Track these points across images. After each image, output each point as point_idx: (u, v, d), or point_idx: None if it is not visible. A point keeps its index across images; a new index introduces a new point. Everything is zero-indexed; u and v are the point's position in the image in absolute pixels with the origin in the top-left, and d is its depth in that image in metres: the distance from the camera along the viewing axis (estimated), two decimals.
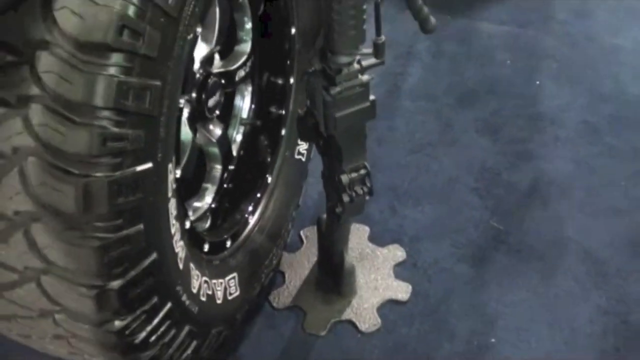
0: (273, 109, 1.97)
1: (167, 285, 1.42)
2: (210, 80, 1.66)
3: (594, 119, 2.47)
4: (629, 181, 2.27)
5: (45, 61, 1.16)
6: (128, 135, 1.21)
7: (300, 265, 2.07)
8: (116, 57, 1.17)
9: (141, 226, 1.28)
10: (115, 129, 1.19)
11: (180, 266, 1.46)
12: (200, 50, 1.65)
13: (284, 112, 1.96)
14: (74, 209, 1.20)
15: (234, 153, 1.89)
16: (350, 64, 1.51)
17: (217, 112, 1.71)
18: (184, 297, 1.49)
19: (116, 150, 1.20)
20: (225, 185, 1.85)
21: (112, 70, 1.17)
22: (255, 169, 1.95)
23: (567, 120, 2.46)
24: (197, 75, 1.62)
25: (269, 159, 1.96)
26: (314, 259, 2.05)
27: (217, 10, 1.65)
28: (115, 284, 1.29)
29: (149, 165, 1.26)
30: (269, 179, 1.95)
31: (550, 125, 2.44)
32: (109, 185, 1.20)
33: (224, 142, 1.79)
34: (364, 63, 1.53)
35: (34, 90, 1.17)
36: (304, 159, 2.05)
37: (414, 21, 2.75)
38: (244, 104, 1.93)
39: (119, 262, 1.28)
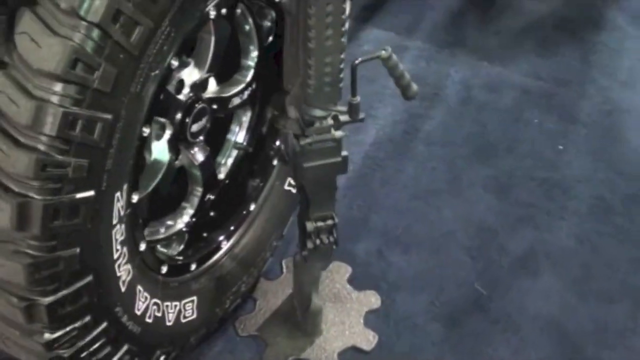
0: (268, 138, 1.97)
1: (104, 305, 1.44)
2: (198, 105, 1.67)
3: (609, 196, 2.39)
4: (629, 267, 2.20)
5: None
6: (70, 163, 1.23)
7: (274, 294, 2.07)
8: (66, 88, 1.19)
9: (77, 250, 1.31)
10: (57, 157, 1.21)
11: (123, 288, 1.48)
12: (192, 75, 1.66)
13: (278, 142, 1.95)
14: (8, 225, 1.23)
15: (222, 176, 1.90)
16: (324, 117, 1.50)
17: (201, 137, 1.72)
18: (124, 318, 1.51)
19: (56, 177, 1.22)
20: (204, 208, 1.85)
21: (60, 100, 1.19)
22: (239, 196, 1.95)
23: (581, 192, 2.40)
24: (184, 99, 1.62)
25: (256, 187, 1.97)
26: (289, 290, 2.05)
27: (213, 38, 1.65)
28: (46, 300, 1.32)
29: (90, 193, 1.29)
30: (252, 207, 1.95)
31: (562, 194, 2.38)
32: (44, 208, 1.23)
33: (207, 166, 1.79)
34: (341, 118, 1.52)
35: None
36: (294, 190, 2.04)
37: (449, 63, 2.76)
38: (240, 129, 1.93)
39: (50, 281, 1.31)
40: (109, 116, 1.26)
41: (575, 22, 3.10)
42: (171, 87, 1.56)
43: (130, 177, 1.43)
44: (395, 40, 2.95)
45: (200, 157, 1.75)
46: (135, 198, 1.50)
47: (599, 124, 2.65)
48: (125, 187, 1.40)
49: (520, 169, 2.46)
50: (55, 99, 1.18)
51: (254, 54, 1.83)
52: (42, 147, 1.20)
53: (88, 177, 1.27)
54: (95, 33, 1.19)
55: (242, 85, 1.82)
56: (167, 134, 1.63)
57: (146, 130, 1.45)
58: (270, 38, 1.84)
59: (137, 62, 1.27)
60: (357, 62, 1.40)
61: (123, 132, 1.30)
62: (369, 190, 2.33)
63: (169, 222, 1.80)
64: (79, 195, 1.27)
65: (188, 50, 1.62)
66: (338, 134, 1.52)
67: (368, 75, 2.51)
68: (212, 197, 1.85)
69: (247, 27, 1.78)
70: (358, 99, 1.46)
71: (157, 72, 1.34)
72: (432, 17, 3.09)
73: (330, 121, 1.51)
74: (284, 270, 2.13)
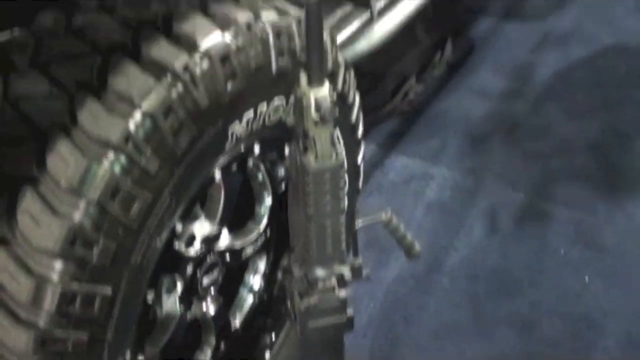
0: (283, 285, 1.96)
1: None
2: (209, 259, 1.68)
3: (638, 332, 2.33)
4: None
5: (1, 258, 1.22)
6: (70, 338, 1.24)
7: None
8: (65, 265, 1.21)
9: None
10: (57, 332, 1.23)
11: None
12: (203, 228, 1.68)
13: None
14: None
15: (237, 325, 1.89)
16: (327, 277, 1.50)
17: (213, 289, 1.73)
18: None
19: (55, 352, 1.24)
20: (218, 359, 1.84)
21: (60, 277, 1.21)
22: (254, 345, 1.94)
23: (609, 327, 2.34)
24: (195, 254, 1.64)
25: (271, 335, 1.95)
26: None
27: (223, 192, 1.67)
28: None
29: None
30: (267, 356, 1.94)
31: (588, 330, 2.32)
32: None
33: (220, 317, 1.79)
34: (346, 277, 1.51)
35: None
36: None
37: (474, 191, 2.75)
38: (254, 276, 1.93)
39: None
40: (108, 290, 1.27)
41: (605, 146, 3.07)
42: (180, 244, 1.57)
43: (133, 342, 1.43)
44: (421, 167, 2.96)
45: (213, 308, 1.75)
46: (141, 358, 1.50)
47: (626, 254, 2.60)
48: (127, 353, 1.40)
49: (545, 302, 2.41)
50: (54, 275, 1.21)
51: (268, 202, 1.84)
52: (41, 324, 1.22)
53: (88, 350, 1.28)
54: (94, 210, 1.22)
55: (256, 234, 1.82)
56: (178, 289, 1.63)
57: (150, 295, 1.46)
58: (284, 185, 1.85)
59: (136, 235, 1.30)
60: (357, 226, 1.40)
61: (124, 303, 1.32)
62: (391, 329, 2.30)
63: None
64: None
65: (199, 204, 1.64)
66: (343, 293, 1.51)
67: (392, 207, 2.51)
68: (226, 346, 1.84)
69: (259, 177, 1.80)
70: (360, 260, 1.45)
71: (158, 241, 1.36)
72: (457, 143, 3.10)
73: (334, 281, 1.50)
74: None
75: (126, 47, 1.35)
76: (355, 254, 1.45)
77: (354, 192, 1.91)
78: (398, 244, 1.51)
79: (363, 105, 1.87)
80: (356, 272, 1.46)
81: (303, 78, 1.27)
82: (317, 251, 1.43)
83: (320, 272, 1.48)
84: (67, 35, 1.40)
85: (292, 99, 1.50)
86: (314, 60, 1.24)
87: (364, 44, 2.28)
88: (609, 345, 2.29)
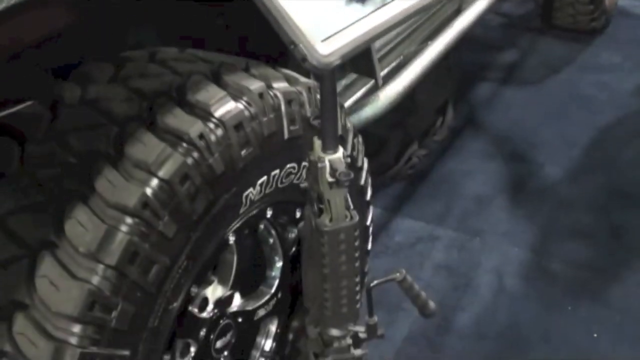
0: (295, 346, 1.97)
1: None
2: (222, 322, 1.70)
3: None
4: None
5: (20, 323, 1.24)
6: None
7: None
8: (84, 329, 1.23)
9: None
10: None
11: None
12: (216, 292, 1.70)
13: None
14: None
15: None
16: (343, 337, 1.51)
17: (226, 352, 1.74)
18: None
19: None
20: None
21: (79, 341, 1.23)
22: None
23: None
24: (208, 317, 1.65)
25: None
26: None
27: (235, 257, 1.70)
28: None
29: None
30: None
31: None
32: None
33: None
34: (361, 336, 1.53)
35: (7, 348, 1.24)
36: None
37: (480, 251, 2.77)
38: (267, 339, 1.94)
39: None
40: (126, 353, 1.29)
41: (608, 205, 3.11)
42: (194, 307, 1.59)
43: None
44: (426, 229, 2.99)
45: None
46: None
47: (634, 308, 2.61)
48: None
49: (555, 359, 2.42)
50: (73, 340, 1.23)
51: (279, 264, 1.86)
52: None
53: None
54: (113, 275, 1.25)
55: (268, 296, 1.84)
56: (192, 352, 1.64)
57: (167, 358, 1.47)
58: (295, 248, 1.88)
59: (154, 298, 1.32)
60: (372, 284, 1.43)
61: None
62: None
63: None
64: None
65: (211, 269, 1.66)
66: (358, 352, 1.53)
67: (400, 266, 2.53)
68: None
69: (270, 240, 1.82)
70: (375, 319, 1.47)
71: (175, 304, 1.38)
72: (462, 205, 3.13)
73: (349, 340, 1.52)
74: None
75: (141, 116, 1.39)
76: (371, 313, 1.46)
77: (364, 254, 1.93)
78: (412, 303, 1.53)
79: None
80: (371, 330, 1.48)
81: (317, 143, 1.32)
82: (332, 311, 1.45)
83: (335, 331, 1.50)
84: (82, 106, 1.43)
85: (304, 163, 1.54)
86: (328, 126, 1.29)
87: (369, 111, 2.32)
88: None
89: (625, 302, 2.63)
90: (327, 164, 1.30)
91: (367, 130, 2.17)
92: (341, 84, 2.32)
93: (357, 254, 1.39)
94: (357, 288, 1.46)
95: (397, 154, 3.10)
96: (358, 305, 1.48)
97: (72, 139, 1.36)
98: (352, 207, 1.38)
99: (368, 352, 1.54)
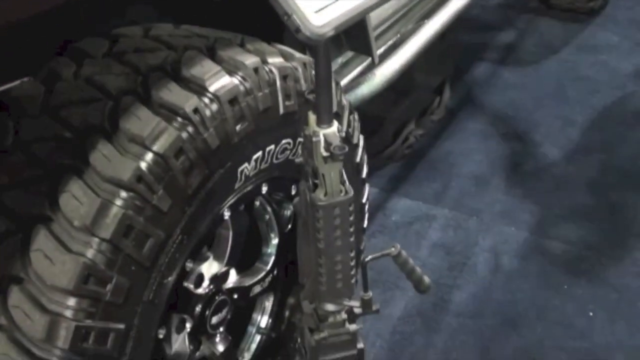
0: (291, 323, 1.97)
1: None
2: (218, 298, 1.70)
3: None
4: None
5: (15, 296, 1.24)
6: None
7: None
8: (79, 302, 1.23)
9: None
10: None
11: None
12: (211, 268, 1.70)
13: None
14: None
15: None
16: (338, 312, 1.52)
17: (222, 328, 1.74)
18: None
19: None
20: None
21: (73, 314, 1.23)
22: None
23: None
24: (203, 293, 1.65)
25: None
26: None
27: (230, 232, 1.70)
28: None
29: None
30: None
31: None
32: None
33: (229, 356, 1.80)
34: (356, 311, 1.53)
35: (2, 321, 1.24)
36: None
37: (477, 230, 2.77)
38: (262, 315, 1.95)
39: None
40: (121, 326, 1.29)
41: (605, 184, 3.11)
42: (190, 283, 1.60)
43: None
44: (423, 209, 3.00)
45: (221, 347, 1.77)
46: None
47: (630, 287, 2.61)
48: None
49: (551, 338, 2.42)
50: (68, 313, 1.23)
51: (275, 241, 1.87)
52: None
53: None
54: (107, 248, 1.25)
55: (264, 273, 1.84)
56: (187, 327, 1.65)
57: (162, 332, 1.47)
58: (290, 225, 1.88)
59: (149, 272, 1.32)
60: (366, 259, 1.43)
61: (137, 339, 1.33)
62: None
63: None
64: None
65: (206, 245, 1.66)
66: (353, 327, 1.53)
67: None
68: None
69: (266, 217, 1.83)
70: (370, 294, 1.48)
71: (170, 278, 1.38)
72: (458, 185, 3.13)
73: (344, 315, 1.52)
74: None
75: (136, 91, 1.38)
76: (365, 288, 1.47)
77: (359, 231, 1.94)
78: (407, 278, 1.53)
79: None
80: (366, 305, 1.48)
81: (312, 117, 1.31)
82: (327, 286, 1.45)
83: (330, 306, 1.50)
84: (77, 81, 1.43)
85: (299, 139, 1.54)
86: (322, 99, 1.29)
87: (365, 89, 2.32)
88: None
89: (621, 281, 2.64)
90: (322, 137, 1.30)
91: (364, 110, 2.17)
92: (337, 61, 2.32)
93: (351, 229, 1.39)
94: (352, 263, 1.45)
95: (394, 134, 3.10)
96: (353, 281, 1.48)
97: (67, 113, 1.36)
98: (347, 182, 1.38)
99: (364, 330, 1.54)
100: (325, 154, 1.30)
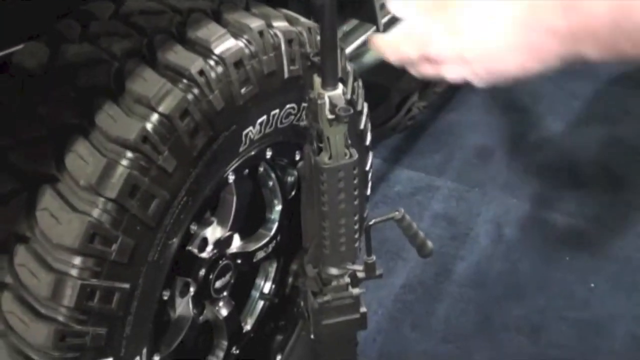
0: (294, 288, 1.99)
1: None
2: (222, 262, 1.71)
3: None
4: None
5: (21, 255, 1.25)
6: (89, 332, 1.27)
7: None
8: (84, 261, 1.24)
9: None
10: (76, 327, 1.25)
11: None
12: (215, 233, 1.71)
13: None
14: None
15: (247, 328, 1.91)
16: (341, 276, 1.52)
17: (226, 292, 1.75)
18: None
19: (74, 346, 1.26)
20: None
21: (79, 273, 1.24)
22: (266, 347, 1.96)
23: (615, 331, 2.36)
24: (207, 257, 1.66)
25: (282, 338, 1.98)
26: None
27: (235, 197, 1.70)
28: None
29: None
30: (278, 359, 1.96)
31: (595, 334, 2.35)
32: None
33: (233, 319, 1.82)
34: (359, 275, 1.54)
35: (8, 279, 1.25)
36: None
37: (479, 202, 2.78)
38: (265, 281, 1.96)
39: None
40: (126, 286, 1.30)
41: (608, 157, 3.11)
42: (194, 247, 1.60)
43: (150, 340, 1.45)
44: (426, 180, 3.00)
45: (224, 311, 1.78)
46: (157, 358, 1.52)
47: (632, 259, 2.62)
48: (144, 351, 1.42)
49: (552, 308, 2.44)
50: (74, 271, 1.23)
51: (278, 207, 1.87)
52: (61, 318, 1.24)
53: (106, 345, 1.30)
54: (113, 208, 1.25)
55: (267, 239, 1.85)
56: (191, 291, 1.66)
57: (166, 294, 1.48)
58: (294, 192, 1.89)
59: (154, 232, 1.33)
60: (370, 223, 1.43)
61: (141, 299, 1.34)
62: (399, 335, 2.33)
63: None
64: None
65: (210, 209, 1.67)
66: (356, 291, 1.54)
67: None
68: (238, 349, 1.86)
69: (270, 183, 1.83)
70: (373, 258, 1.48)
71: (175, 239, 1.39)
72: (461, 156, 3.14)
73: (347, 279, 1.53)
74: None
75: (142, 52, 1.38)
76: (369, 252, 1.47)
77: (363, 198, 1.94)
78: (410, 243, 1.53)
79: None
80: (370, 269, 1.49)
81: (317, 80, 1.31)
82: (330, 249, 1.46)
83: (333, 270, 1.51)
84: (83, 43, 1.43)
85: (304, 104, 1.54)
86: (328, 62, 1.28)
87: (370, 57, 2.31)
88: (615, 349, 2.31)
89: (623, 253, 2.65)
90: (327, 100, 1.29)
91: (367, 81, 2.16)
92: (342, 29, 2.31)
93: (356, 192, 1.40)
94: (356, 227, 1.46)
95: (397, 105, 3.09)
96: (356, 245, 1.49)
97: (73, 74, 1.36)
98: (351, 146, 1.38)
99: (366, 299, 1.55)
100: (330, 116, 1.29)
